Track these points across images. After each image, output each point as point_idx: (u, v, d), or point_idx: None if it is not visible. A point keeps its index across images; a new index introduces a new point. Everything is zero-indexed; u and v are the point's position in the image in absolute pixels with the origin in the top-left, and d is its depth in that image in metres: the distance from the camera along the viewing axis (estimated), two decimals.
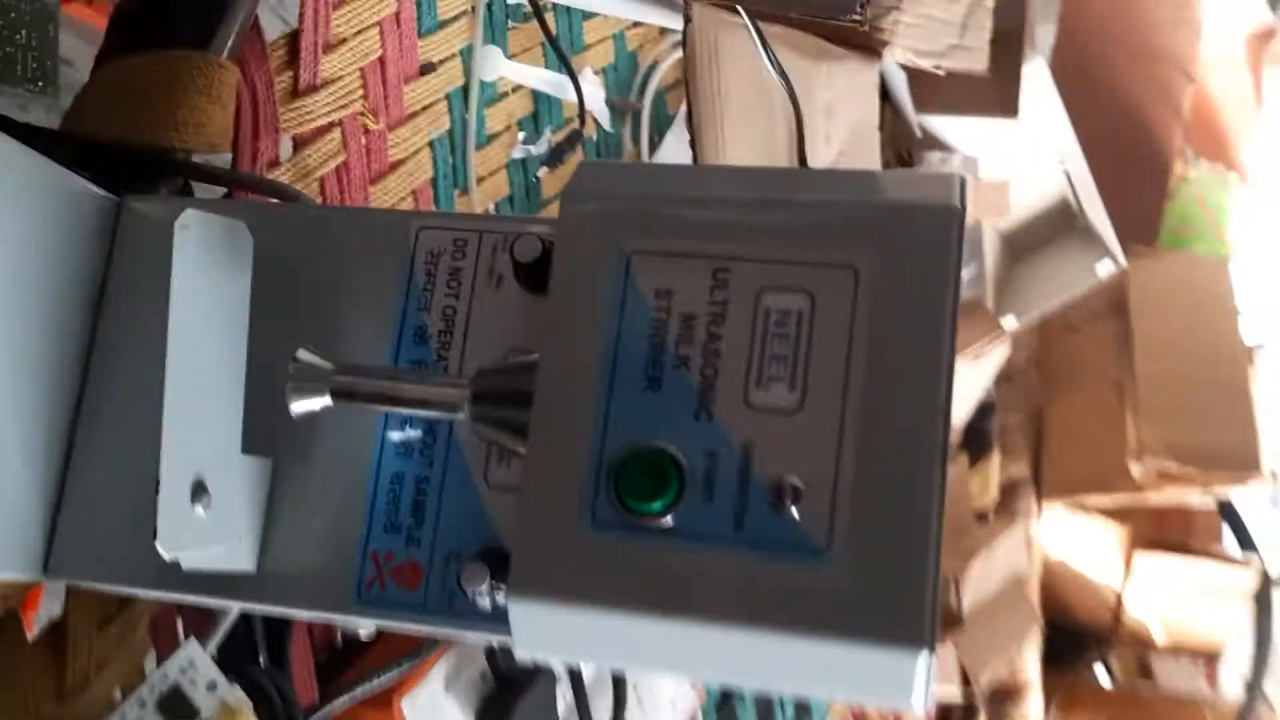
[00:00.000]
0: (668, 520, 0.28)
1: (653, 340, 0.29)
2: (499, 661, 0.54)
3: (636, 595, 0.28)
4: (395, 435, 0.36)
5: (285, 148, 0.51)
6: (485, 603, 0.34)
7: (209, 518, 0.33)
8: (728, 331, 0.29)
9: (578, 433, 0.29)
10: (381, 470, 0.36)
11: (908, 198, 0.29)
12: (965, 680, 1.04)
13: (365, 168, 0.55)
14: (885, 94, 0.84)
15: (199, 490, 0.33)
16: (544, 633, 0.29)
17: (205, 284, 0.34)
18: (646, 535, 0.28)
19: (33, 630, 0.40)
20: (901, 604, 0.27)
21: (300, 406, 0.33)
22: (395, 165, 0.57)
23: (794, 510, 0.27)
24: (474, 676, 0.54)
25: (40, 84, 0.81)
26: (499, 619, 0.35)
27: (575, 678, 0.59)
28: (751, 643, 0.27)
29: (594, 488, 0.29)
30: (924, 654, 0.27)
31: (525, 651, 0.30)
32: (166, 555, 0.32)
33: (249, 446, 0.36)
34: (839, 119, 0.59)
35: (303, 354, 0.33)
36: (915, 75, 0.85)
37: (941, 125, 0.96)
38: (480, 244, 0.37)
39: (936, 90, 0.89)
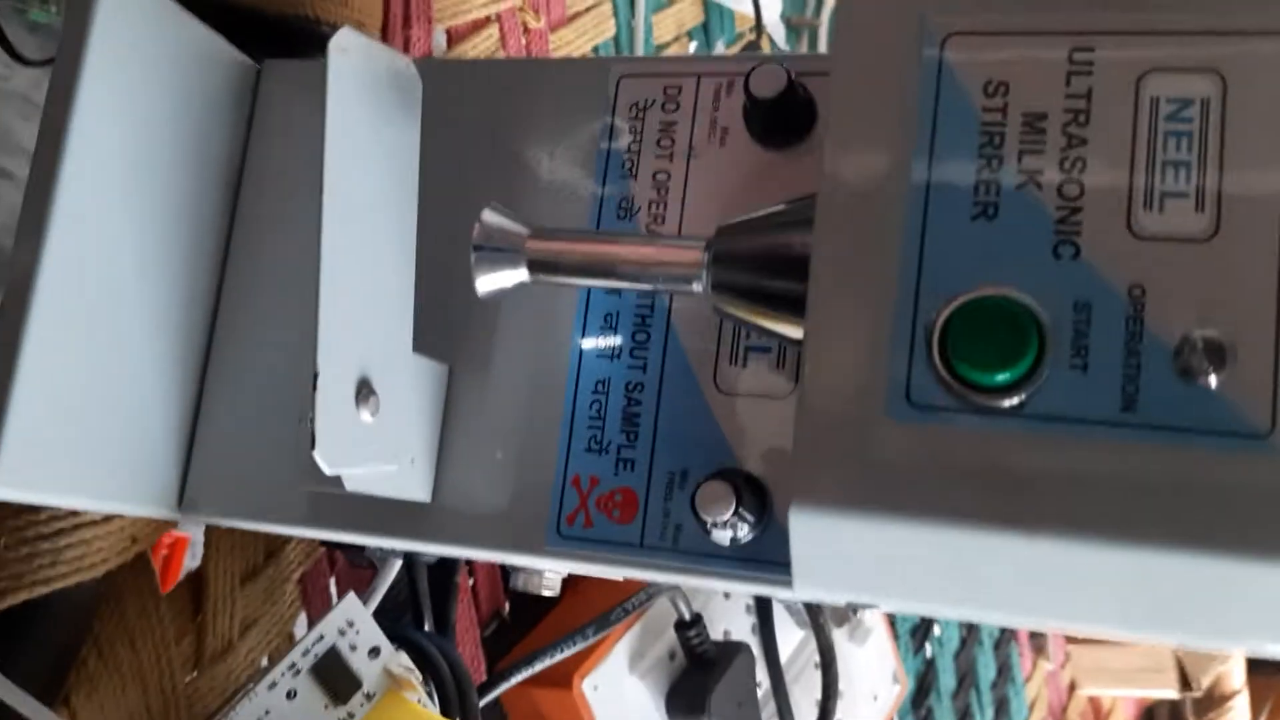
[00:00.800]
0: (1018, 397, 0.20)
1: (983, 152, 0.21)
2: (691, 638, 0.46)
3: (971, 503, 0.20)
4: (598, 332, 0.29)
5: (439, 40, 0.44)
6: (723, 536, 0.26)
7: (377, 427, 0.26)
8: (1096, 133, 0.20)
9: (880, 286, 0.21)
10: (581, 376, 0.29)
11: None
12: (1184, 683, 0.93)
13: None
14: None
15: (364, 391, 0.26)
16: (837, 557, 0.21)
17: (366, 125, 0.27)
18: (987, 419, 0.20)
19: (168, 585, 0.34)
20: None
21: (488, 282, 0.26)
22: None
23: (1214, 378, 0.19)
24: (661, 655, 0.46)
25: None
26: (738, 558, 0.27)
27: (772, 659, 0.50)
28: (1154, 568, 0.19)
29: (907, 356, 0.20)
30: None
31: (808, 585, 0.22)
32: (327, 470, 0.25)
33: (422, 346, 0.29)
34: None
35: (491, 215, 0.26)
36: None
37: None
38: (698, 90, 0.29)
39: None
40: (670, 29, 0.58)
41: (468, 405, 0.30)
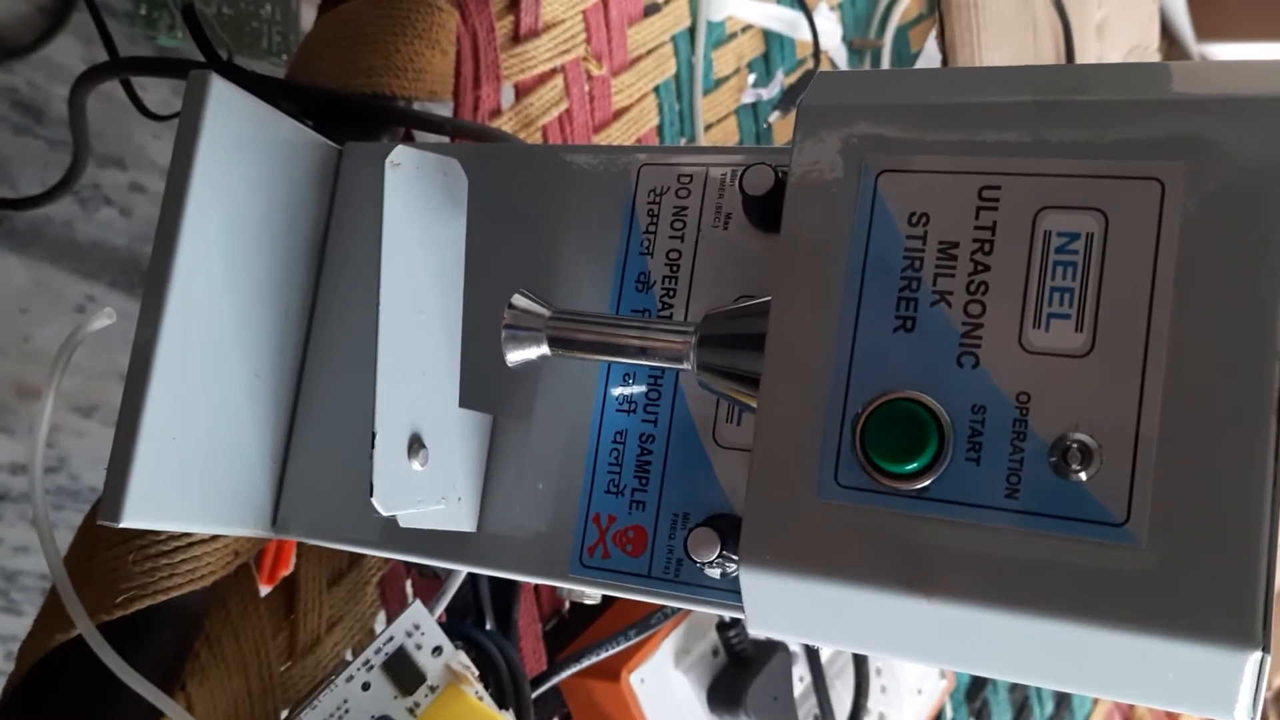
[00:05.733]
0: (923, 484, 0.24)
1: (906, 273, 0.25)
2: (731, 637, 0.51)
3: (883, 570, 0.24)
4: (618, 390, 0.34)
5: (507, 95, 0.49)
6: (715, 572, 0.31)
7: (425, 474, 0.32)
8: (998, 261, 0.24)
9: (816, 382, 0.25)
10: (603, 428, 0.34)
11: (1229, 91, 0.23)
12: None
13: (589, 115, 0.52)
14: (1162, 24, 0.75)
15: (415, 445, 0.31)
16: (779, 608, 0.25)
17: (418, 224, 0.32)
18: (897, 500, 0.24)
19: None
20: (1225, 591, 0.21)
21: (516, 355, 0.31)
22: (619, 113, 0.54)
23: (1083, 474, 0.23)
24: (705, 652, 0.51)
25: (284, 56, 0.84)
26: (729, 589, 0.31)
27: (813, 657, 0.55)
28: (1023, 631, 0.23)
29: (836, 445, 0.25)
30: (1255, 656, 0.21)
31: (758, 629, 0.26)
32: (382, 512, 0.30)
33: (469, 401, 0.34)
34: (1113, 40, 0.52)
35: (519, 299, 0.31)
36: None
37: (1227, 55, 0.85)
38: (706, 179, 0.34)
39: (1222, 13, 0.78)
40: (730, 62, 0.61)
41: (509, 450, 0.35)
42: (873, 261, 0.25)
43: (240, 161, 0.34)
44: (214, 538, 0.36)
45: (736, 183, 0.33)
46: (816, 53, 0.63)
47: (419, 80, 0.43)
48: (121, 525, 0.31)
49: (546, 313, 0.31)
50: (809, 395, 0.25)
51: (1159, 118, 0.23)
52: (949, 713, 0.70)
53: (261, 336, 0.36)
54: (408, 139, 0.43)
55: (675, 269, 0.33)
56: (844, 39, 0.67)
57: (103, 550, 0.35)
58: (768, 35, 0.64)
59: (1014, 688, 0.77)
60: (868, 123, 0.26)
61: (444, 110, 0.46)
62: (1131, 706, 0.88)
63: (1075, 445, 0.23)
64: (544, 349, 0.31)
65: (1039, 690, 0.79)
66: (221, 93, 0.33)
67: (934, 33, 0.69)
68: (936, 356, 0.24)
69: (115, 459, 0.31)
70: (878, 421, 0.24)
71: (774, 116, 0.62)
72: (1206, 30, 0.82)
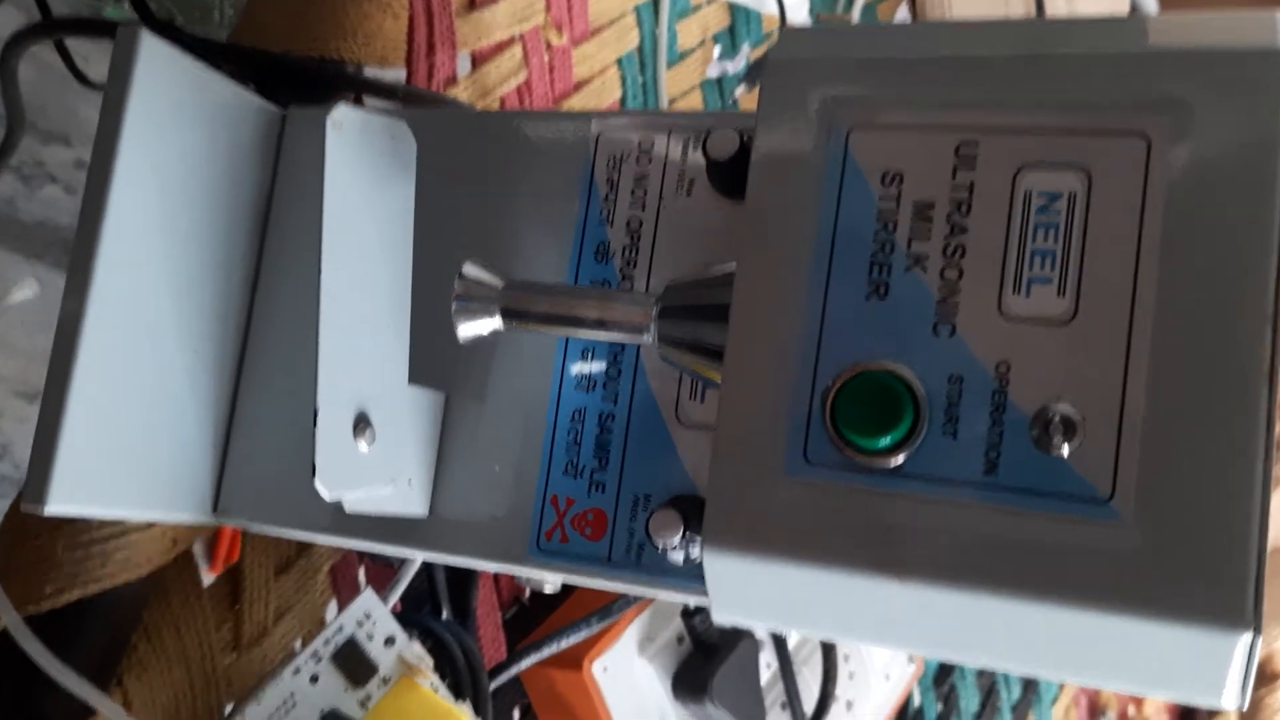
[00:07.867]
0: (897, 459, 0.23)
1: (878, 236, 0.23)
2: (696, 623, 0.49)
3: (856, 551, 0.22)
4: (576, 367, 0.32)
5: (463, 64, 0.47)
6: (677, 556, 0.30)
7: (373, 454, 0.30)
8: (976, 222, 0.23)
9: (785, 353, 0.24)
10: (561, 406, 0.32)
11: (1214, 43, 0.22)
12: None
13: (548, 86, 0.51)
14: None
15: (361, 424, 0.30)
16: (745, 593, 0.24)
17: (363, 190, 0.30)
18: (870, 477, 0.23)
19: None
20: (1215, 571, 0.20)
21: (468, 329, 0.29)
22: (580, 84, 0.52)
23: (1065, 448, 0.21)
24: (670, 639, 0.50)
25: None
26: (693, 575, 0.30)
27: (780, 644, 0.54)
28: (1002, 614, 0.22)
29: (805, 419, 0.23)
30: (1245, 637, 0.20)
31: (723, 614, 0.25)
32: (326, 495, 0.29)
33: (420, 377, 0.32)
34: (1083, 8, 0.51)
35: (470, 268, 0.29)
36: None
37: None
38: (668, 145, 0.32)
39: None
40: (694, 35, 0.60)
41: (462, 430, 0.33)
42: (843, 225, 0.24)
43: (175, 124, 0.32)
44: (150, 525, 0.34)
45: (700, 148, 0.31)
46: (783, 26, 0.61)
47: (369, 45, 0.41)
48: (46, 512, 0.29)
49: (500, 283, 0.29)
50: (776, 368, 0.24)
51: (1145, 71, 0.22)
52: (917, 698, 0.70)
53: (200, 311, 0.34)
54: (357, 104, 0.41)
55: (636, 238, 0.32)
56: (811, 13, 0.66)
57: (30, 539, 0.33)
58: (733, 8, 0.62)
59: (982, 672, 0.76)
60: (838, 78, 0.24)
61: (396, 77, 0.44)
62: (1097, 690, 0.87)
63: (1057, 417, 0.21)
64: (497, 322, 0.29)
65: (1006, 675, 0.79)
66: (153, 50, 0.32)
67: (904, 7, 0.68)
68: (911, 325, 0.23)
69: (39, 441, 0.29)
70: (849, 394, 0.23)
71: (740, 90, 0.60)
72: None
